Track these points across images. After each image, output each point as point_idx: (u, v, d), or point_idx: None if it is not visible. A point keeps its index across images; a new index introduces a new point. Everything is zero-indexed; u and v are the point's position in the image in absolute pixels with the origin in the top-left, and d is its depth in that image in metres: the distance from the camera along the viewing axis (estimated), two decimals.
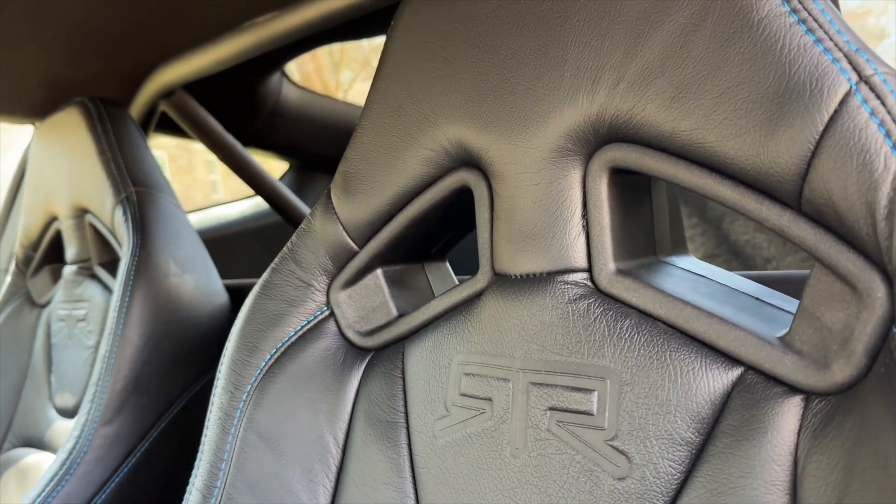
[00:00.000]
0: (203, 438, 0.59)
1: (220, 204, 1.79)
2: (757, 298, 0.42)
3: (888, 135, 0.32)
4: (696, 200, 1.22)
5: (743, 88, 0.36)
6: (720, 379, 0.38)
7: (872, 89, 0.33)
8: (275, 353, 0.58)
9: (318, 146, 1.60)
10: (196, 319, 0.94)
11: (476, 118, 0.48)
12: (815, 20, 0.35)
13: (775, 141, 0.35)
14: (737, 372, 0.38)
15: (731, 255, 1.18)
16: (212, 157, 1.38)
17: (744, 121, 0.36)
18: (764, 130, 0.35)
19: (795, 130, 0.34)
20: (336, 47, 2.01)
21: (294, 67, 1.63)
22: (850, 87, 0.33)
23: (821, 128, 0.33)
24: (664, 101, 0.39)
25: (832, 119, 0.33)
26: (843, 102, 0.33)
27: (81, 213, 1.07)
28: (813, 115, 0.34)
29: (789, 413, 0.36)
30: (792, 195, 0.35)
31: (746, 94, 0.36)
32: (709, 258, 1.19)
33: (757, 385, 0.37)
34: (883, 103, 0.32)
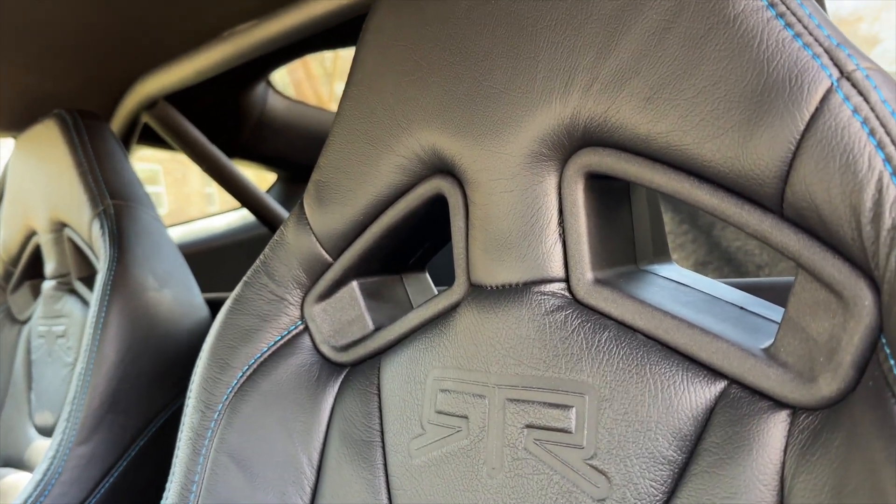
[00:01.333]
0: (174, 459, 0.57)
1: (207, 216, 1.77)
2: (741, 307, 0.40)
3: (872, 133, 0.30)
4: (688, 207, 1.21)
5: (720, 87, 0.34)
6: (703, 393, 0.36)
7: (855, 85, 0.31)
8: (247, 370, 0.56)
9: (305, 157, 1.58)
10: (175, 335, 0.92)
11: (449, 123, 0.46)
12: (794, 14, 0.33)
13: (754, 142, 0.33)
14: (720, 386, 0.36)
15: (723, 262, 1.16)
16: None
17: (721, 121, 0.34)
18: (742, 131, 0.33)
19: (775, 130, 0.32)
20: (329, 58, 2.00)
21: (285, 75, 1.61)
22: (832, 83, 0.31)
23: (801, 127, 0.32)
24: (639, 102, 0.37)
25: (813, 118, 0.31)
26: (824, 100, 0.31)
27: (60, 227, 1.05)
28: (793, 113, 0.32)
29: (775, 429, 0.34)
30: (773, 199, 0.33)
31: (724, 94, 0.34)
32: (700, 265, 1.18)
33: (741, 400, 0.35)
34: (866, 100, 0.31)
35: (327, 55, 1.98)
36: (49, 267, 1.09)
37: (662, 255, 0.46)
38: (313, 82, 1.84)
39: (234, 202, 1.73)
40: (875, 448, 0.28)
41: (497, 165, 0.44)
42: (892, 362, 0.29)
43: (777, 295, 0.44)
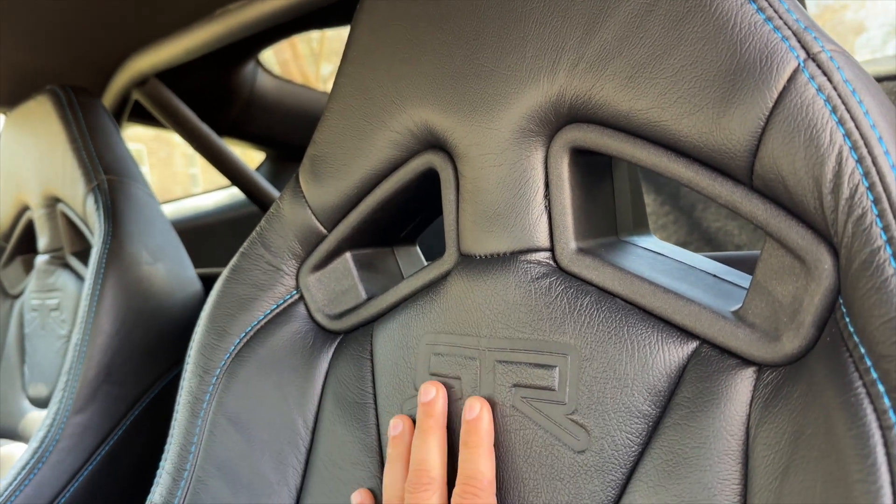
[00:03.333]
0: (172, 422, 0.59)
1: (197, 195, 1.78)
2: (714, 276, 0.43)
3: (834, 110, 0.33)
4: (670, 188, 1.23)
5: (696, 67, 0.37)
6: (676, 352, 0.39)
7: (819, 66, 0.34)
8: (244, 336, 0.58)
9: (294, 136, 1.59)
10: (169, 308, 0.94)
11: (440, 100, 0.48)
12: None
13: (727, 118, 0.36)
14: (692, 345, 0.39)
15: (703, 242, 1.19)
16: (192, 151, 1.37)
17: (697, 99, 0.37)
18: (716, 108, 0.36)
19: (746, 107, 0.35)
20: (316, 38, 2.01)
21: (271, 55, 1.62)
22: (798, 63, 0.34)
23: (770, 104, 0.34)
24: (621, 80, 0.39)
25: (781, 95, 0.34)
26: (791, 79, 0.34)
27: (53, 202, 1.06)
28: (763, 91, 0.34)
29: (742, 384, 0.37)
30: (743, 171, 0.36)
31: (700, 73, 0.37)
32: (681, 245, 1.21)
33: (711, 358, 0.38)
34: (829, 80, 0.33)
35: (314, 35, 1.98)
36: (42, 242, 1.10)
37: (642, 226, 0.49)
38: (300, 62, 1.84)
39: (218, 183, 1.75)
40: (830, 396, 0.31)
41: (487, 140, 0.46)
42: (847, 320, 0.32)
43: (749, 268, 0.47)
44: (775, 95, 0.34)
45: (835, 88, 0.33)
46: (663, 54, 0.38)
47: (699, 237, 1.22)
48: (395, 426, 0.49)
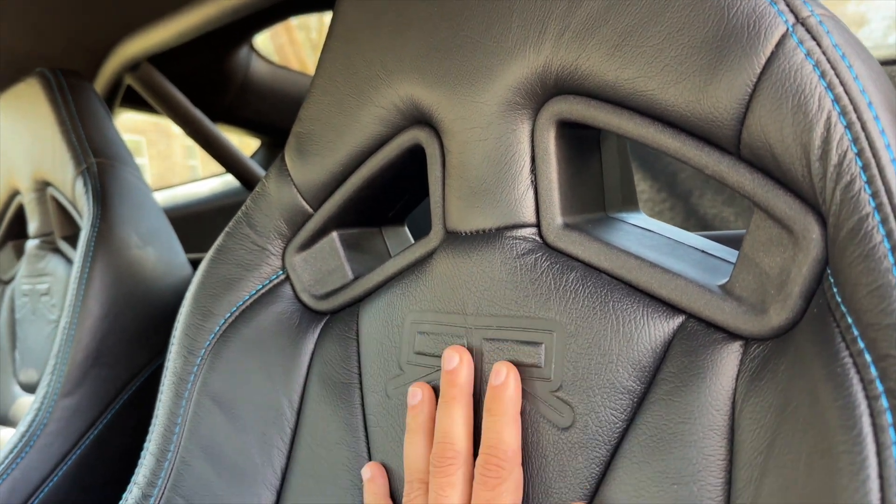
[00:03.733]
0: (157, 403, 0.59)
1: (190, 182, 1.77)
2: (702, 251, 0.42)
3: (822, 75, 0.32)
4: (666, 175, 1.23)
5: (683, 34, 0.36)
6: (661, 327, 0.38)
7: (808, 31, 0.33)
8: (229, 317, 0.58)
9: (290, 122, 1.57)
10: (159, 292, 0.93)
11: (426, 74, 0.47)
12: None
13: (714, 85, 0.35)
14: (678, 320, 0.38)
15: (700, 229, 1.18)
16: (191, 143, 1.36)
17: (684, 66, 0.36)
18: (703, 75, 0.35)
19: (733, 74, 0.34)
20: (315, 28, 1.99)
21: (267, 41, 1.61)
22: (787, 28, 0.33)
23: (758, 70, 0.33)
24: (608, 49, 0.39)
25: (769, 61, 0.33)
26: (779, 44, 0.33)
27: (43, 185, 1.05)
28: (750, 57, 0.34)
29: (728, 359, 0.36)
30: (731, 140, 0.35)
31: (687, 40, 0.36)
32: None
33: (697, 332, 0.37)
34: (818, 44, 0.32)
35: (312, 25, 1.97)
36: (32, 226, 1.09)
37: (631, 203, 0.48)
38: (296, 48, 1.83)
39: (216, 174, 1.73)
40: (816, 367, 0.30)
41: (472, 114, 0.45)
42: (834, 290, 0.31)
43: (738, 246, 0.46)
44: (763, 61, 0.33)
45: (824, 53, 0.32)
46: (649, 21, 0.37)
47: (695, 224, 1.21)
48: (415, 395, 0.46)
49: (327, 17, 1.56)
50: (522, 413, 0.42)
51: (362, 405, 0.52)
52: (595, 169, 0.46)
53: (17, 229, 1.18)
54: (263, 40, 1.54)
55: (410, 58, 0.48)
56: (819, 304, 0.32)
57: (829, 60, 0.32)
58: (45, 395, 0.84)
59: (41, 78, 1.02)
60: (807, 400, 0.30)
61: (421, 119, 0.49)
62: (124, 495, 0.56)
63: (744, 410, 0.34)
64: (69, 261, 1.03)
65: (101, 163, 0.95)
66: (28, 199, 1.09)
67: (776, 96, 0.33)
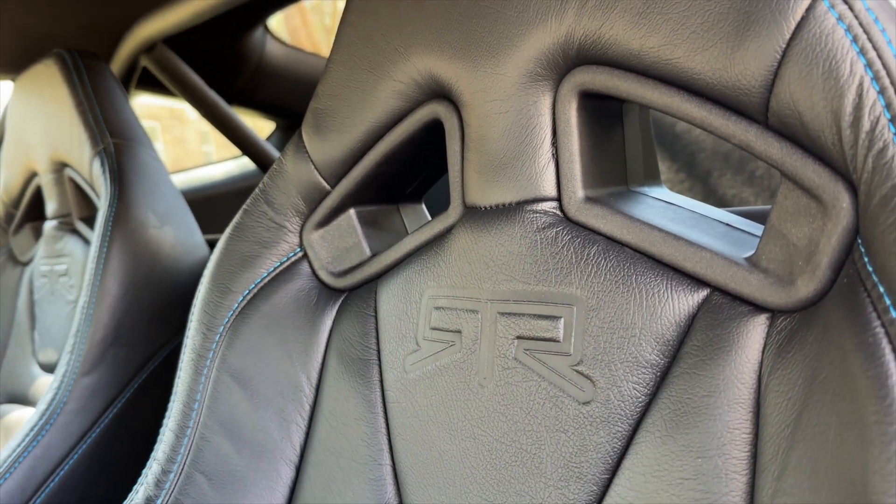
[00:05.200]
0: (176, 380, 0.59)
1: (205, 165, 1.77)
2: (727, 224, 0.41)
3: (855, 40, 0.31)
4: (685, 155, 1.21)
5: (710, 0, 0.35)
6: (686, 301, 0.38)
7: None
8: (247, 294, 0.58)
9: (304, 105, 1.57)
10: (176, 272, 0.93)
11: (445, 47, 0.46)
12: None
13: (741, 52, 0.34)
14: (703, 293, 0.38)
15: None
16: (206, 129, 1.36)
17: (711, 33, 0.35)
18: (731, 42, 0.34)
19: (762, 40, 0.33)
20: (329, 13, 1.98)
21: (281, 23, 1.60)
22: None
23: (787, 36, 0.33)
24: (632, 17, 0.38)
25: (799, 26, 0.32)
26: (809, 9, 0.32)
27: (60, 167, 1.05)
28: (779, 22, 0.33)
29: (754, 332, 0.35)
30: (758, 108, 0.34)
31: (714, 6, 0.35)
32: None
33: (722, 305, 0.37)
34: (850, 8, 0.31)
35: (326, 9, 1.96)
36: (50, 207, 1.10)
37: (653, 177, 0.47)
38: (310, 30, 1.82)
39: (230, 159, 1.73)
40: (846, 338, 0.30)
41: (493, 86, 0.44)
42: (865, 259, 0.30)
43: (763, 220, 0.45)
44: (793, 26, 0.32)
45: (856, 17, 0.31)
46: None
47: (714, 204, 1.19)
48: None
49: (341, 1, 1.55)
50: (538, 388, 0.42)
51: (381, 381, 0.52)
52: (617, 141, 0.45)
53: (36, 211, 1.18)
54: (277, 23, 1.53)
55: (429, 31, 0.47)
56: (849, 275, 0.31)
57: (861, 24, 0.31)
58: (65, 374, 0.84)
59: (58, 59, 1.02)
60: (836, 371, 0.30)
61: (440, 93, 0.48)
62: (144, 471, 0.57)
63: (770, 384, 0.34)
64: (87, 241, 1.03)
65: (118, 143, 0.95)
66: (45, 181, 1.09)
67: (806, 62, 0.32)
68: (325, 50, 1.85)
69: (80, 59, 1.02)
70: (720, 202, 1.17)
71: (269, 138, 1.70)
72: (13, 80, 1.31)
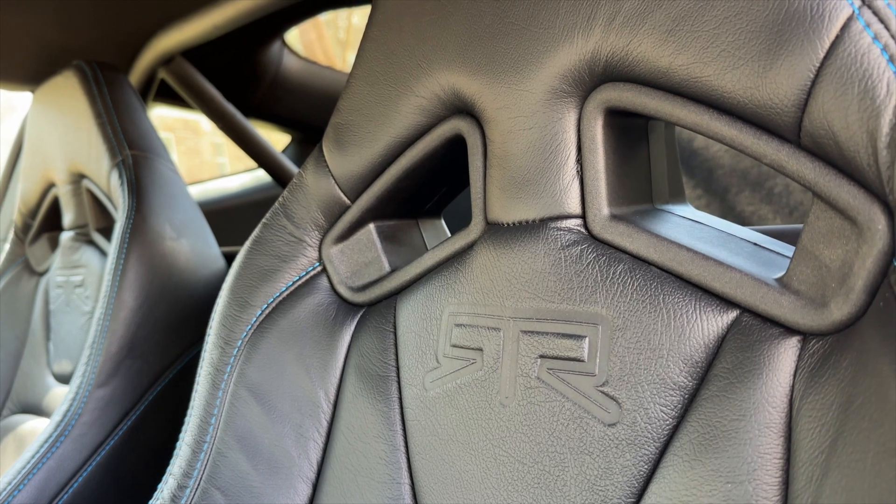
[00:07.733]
0: (193, 394, 0.58)
1: (221, 177, 1.78)
2: (755, 244, 0.41)
3: (891, 59, 0.30)
4: (703, 171, 1.21)
5: (741, 18, 0.35)
6: (715, 322, 0.37)
7: (876, 13, 0.31)
8: (266, 308, 0.57)
9: (320, 118, 1.58)
10: (193, 284, 0.93)
11: (469, 62, 0.46)
12: None
13: (774, 71, 0.33)
14: (732, 315, 0.37)
15: None
16: (220, 141, 1.37)
17: (742, 52, 0.35)
18: (762, 61, 0.34)
19: (795, 59, 0.33)
20: (343, 28, 1.99)
21: (296, 37, 1.61)
22: (853, 11, 0.32)
23: (821, 55, 0.32)
24: (660, 35, 0.37)
25: (833, 45, 0.32)
26: (844, 28, 0.32)
27: (78, 178, 1.06)
28: (813, 41, 0.32)
29: (785, 355, 0.35)
30: (791, 128, 0.34)
31: (745, 24, 0.35)
32: None
33: (752, 327, 0.36)
34: (886, 27, 0.31)
35: (341, 25, 1.97)
36: (67, 218, 1.10)
37: (678, 195, 0.47)
38: (325, 44, 1.83)
39: (244, 171, 1.74)
40: (883, 363, 0.29)
41: (517, 103, 0.44)
42: None
43: (791, 241, 0.44)
44: (827, 45, 0.32)
45: (892, 36, 0.31)
46: (706, 5, 0.36)
47: (732, 221, 1.18)
48: None
49: (356, 16, 1.56)
50: (562, 409, 0.41)
51: (399, 398, 0.51)
52: (643, 159, 0.45)
53: (53, 221, 1.19)
54: (293, 37, 1.54)
55: (453, 45, 0.47)
56: (885, 298, 0.31)
57: None
58: (80, 385, 0.84)
59: (78, 70, 1.03)
60: (874, 397, 0.29)
61: (462, 108, 0.48)
62: (160, 486, 0.56)
63: (802, 408, 0.33)
64: (103, 253, 1.03)
65: (136, 155, 0.95)
66: (63, 192, 1.10)
67: (841, 82, 0.31)
68: (339, 64, 1.86)
69: (99, 71, 1.03)
70: (738, 219, 1.16)
71: (284, 151, 1.70)
72: (32, 91, 1.32)
